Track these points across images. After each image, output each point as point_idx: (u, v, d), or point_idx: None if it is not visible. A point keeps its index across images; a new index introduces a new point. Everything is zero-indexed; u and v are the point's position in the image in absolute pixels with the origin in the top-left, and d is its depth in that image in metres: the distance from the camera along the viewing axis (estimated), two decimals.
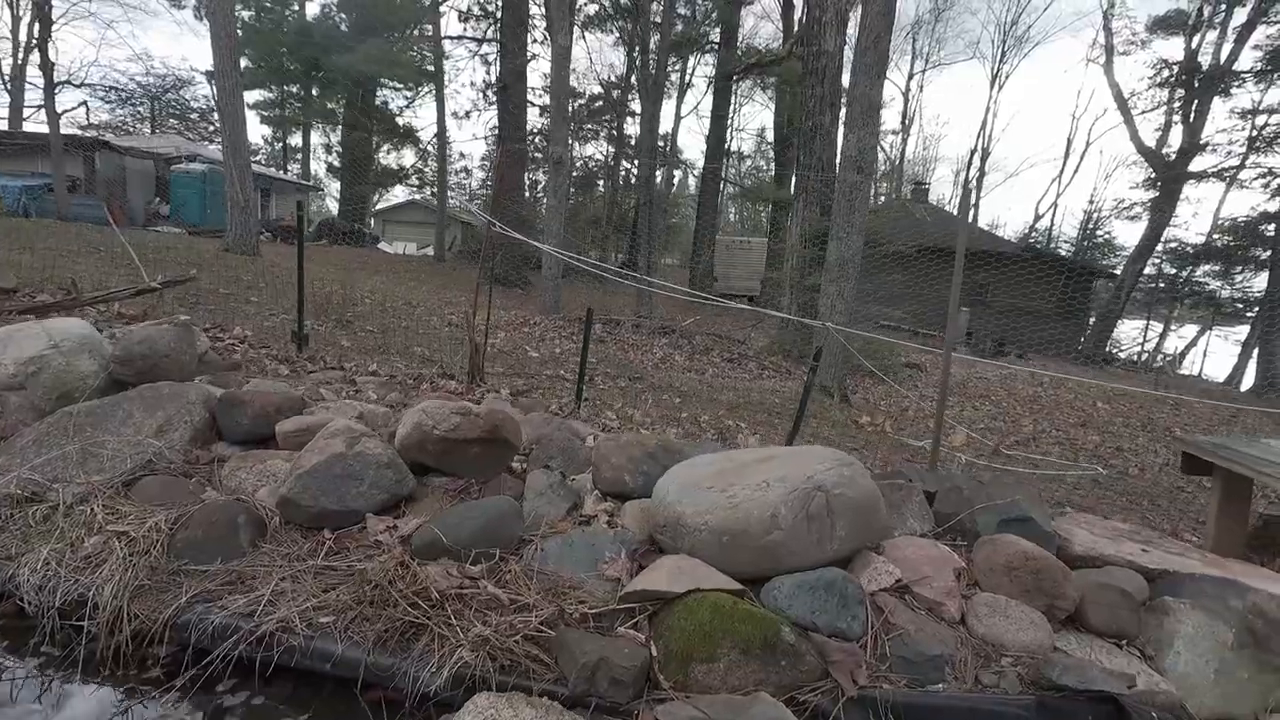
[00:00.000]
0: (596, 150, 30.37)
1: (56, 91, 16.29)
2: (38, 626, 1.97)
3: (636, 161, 26.84)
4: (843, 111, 10.09)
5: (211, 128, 29.04)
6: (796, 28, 21.73)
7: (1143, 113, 20.46)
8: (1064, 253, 26.02)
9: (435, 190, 28.77)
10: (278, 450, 2.67)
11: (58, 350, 2.79)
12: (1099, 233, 29.00)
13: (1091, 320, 20.89)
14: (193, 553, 2.13)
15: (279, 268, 10.86)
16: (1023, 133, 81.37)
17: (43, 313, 3.68)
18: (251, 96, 26.18)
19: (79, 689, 1.86)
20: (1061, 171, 28.35)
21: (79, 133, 21.14)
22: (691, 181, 32.81)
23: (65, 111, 18.75)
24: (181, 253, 9.97)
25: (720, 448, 3.05)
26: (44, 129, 21.02)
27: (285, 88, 25.64)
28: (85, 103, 23.66)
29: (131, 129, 25.97)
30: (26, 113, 23.27)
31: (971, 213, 32.56)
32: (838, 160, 12.48)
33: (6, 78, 23.32)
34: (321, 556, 2.16)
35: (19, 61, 22.27)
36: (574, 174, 26.03)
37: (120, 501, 2.30)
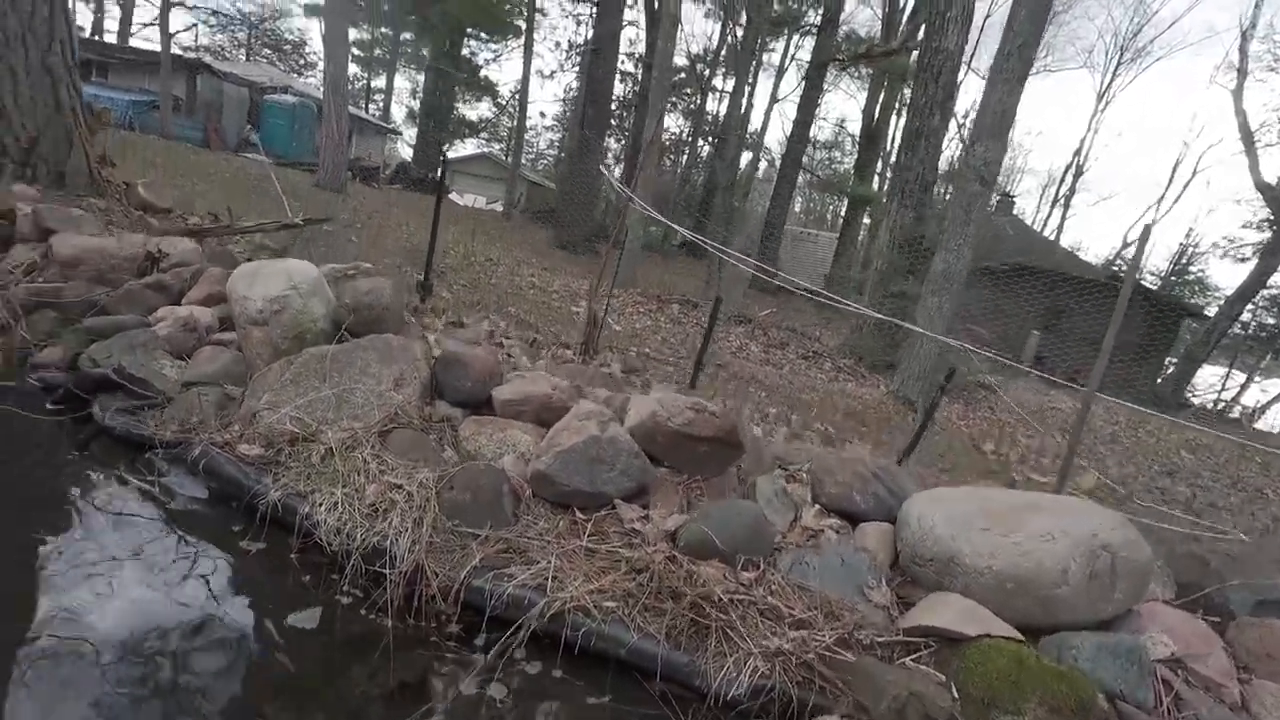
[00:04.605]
0: (671, 123, 29.84)
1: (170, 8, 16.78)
2: (335, 567, 2.05)
3: (713, 140, 26.39)
4: (960, 118, 9.62)
5: (303, 61, 29.66)
6: (902, 20, 20.78)
7: (1268, 145, 19.02)
8: (1149, 285, 24.63)
9: (508, 146, 28.85)
10: (495, 417, 2.72)
11: (297, 292, 2.85)
12: (1191, 269, 27.31)
13: (1169, 361, 19.75)
14: (463, 515, 2.18)
15: (366, 208, 11.15)
16: (1121, 154, 75.21)
17: (199, 237, 3.86)
18: None
19: (389, 630, 1.92)
20: (1161, 199, 26.71)
21: (182, 54, 21.80)
22: (762, 166, 32.04)
23: (176, 33, 19.36)
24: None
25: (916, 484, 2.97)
26: (145, 46, 21.82)
27: (378, 30, 25.91)
28: (196, 25, 24.36)
29: (228, 55, 26.71)
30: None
31: (1056, 232, 31.02)
32: (944, 166, 11.91)
33: None
34: (584, 538, 2.20)
35: None
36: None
37: (382, 453, 2.38)
